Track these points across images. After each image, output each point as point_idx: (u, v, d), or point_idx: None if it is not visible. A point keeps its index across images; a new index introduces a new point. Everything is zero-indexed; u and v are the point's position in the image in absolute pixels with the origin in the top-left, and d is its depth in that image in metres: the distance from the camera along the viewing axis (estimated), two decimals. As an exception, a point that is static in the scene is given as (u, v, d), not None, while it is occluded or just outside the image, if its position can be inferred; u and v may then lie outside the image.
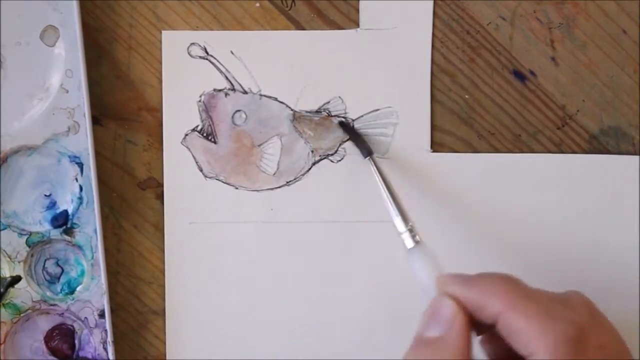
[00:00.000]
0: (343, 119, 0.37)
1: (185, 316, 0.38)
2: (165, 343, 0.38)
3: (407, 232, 0.33)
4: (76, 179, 0.36)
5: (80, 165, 0.36)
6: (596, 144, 0.38)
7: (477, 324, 0.30)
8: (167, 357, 0.38)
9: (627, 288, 0.38)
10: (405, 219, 0.33)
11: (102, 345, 0.37)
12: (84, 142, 0.36)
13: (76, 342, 0.37)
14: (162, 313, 0.38)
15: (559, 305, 0.28)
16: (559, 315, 0.28)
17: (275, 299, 0.38)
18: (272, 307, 0.38)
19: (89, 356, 0.37)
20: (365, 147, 0.36)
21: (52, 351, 0.37)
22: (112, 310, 0.37)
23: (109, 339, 0.36)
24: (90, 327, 0.37)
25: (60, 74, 0.36)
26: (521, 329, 0.27)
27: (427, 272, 0.32)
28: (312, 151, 0.38)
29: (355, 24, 0.37)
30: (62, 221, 0.36)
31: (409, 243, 0.33)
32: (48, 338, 0.37)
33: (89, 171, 0.36)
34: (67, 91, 0.36)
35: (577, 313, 0.28)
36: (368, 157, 0.36)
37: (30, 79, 0.36)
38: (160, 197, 0.38)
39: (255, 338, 0.38)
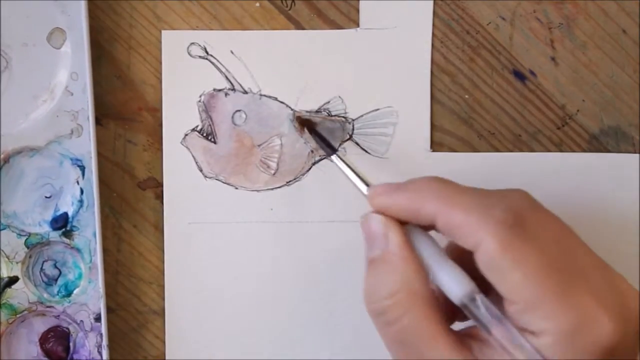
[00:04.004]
0: (301, 115, 0.36)
1: (185, 316, 0.37)
2: (165, 343, 0.37)
3: None
4: (77, 182, 0.35)
5: (82, 168, 0.35)
6: (596, 144, 0.37)
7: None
8: (167, 357, 0.37)
9: (627, 288, 0.37)
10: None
11: (96, 349, 0.36)
12: (86, 145, 0.35)
13: (71, 344, 0.36)
14: (162, 313, 0.37)
15: (494, 197, 0.27)
16: (495, 203, 0.27)
17: (275, 299, 0.37)
18: (272, 307, 0.37)
19: (83, 359, 0.36)
20: (328, 146, 0.34)
21: (47, 353, 0.36)
22: (112, 310, 0.36)
23: (104, 342, 0.35)
24: (86, 331, 0.36)
25: (65, 76, 0.35)
26: (461, 222, 0.26)
27: None
28: (312, 151, 0.37)
29: (355, 23, 0.36)
30: (62, 223, 0.35)
31: None
32: (43, 340, 0.36)
33: (90, 174, 0.35)
34: (72, 94, 0.35)
35: (513, 201, 0.27)
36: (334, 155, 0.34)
37: (36, 80, 0.35)
38: (160, 197, 0.37)
39: (255, 338, 0.37)
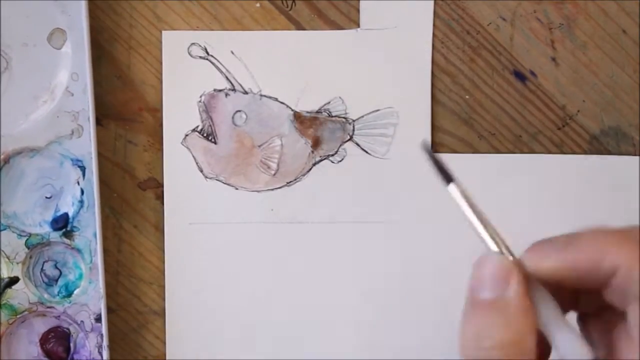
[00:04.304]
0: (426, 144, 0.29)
1: (185, 316, 0.36)
2: (165, 343, 0.36)
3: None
4: (78, 182, 0.35)
5: (83, 168, 0.35)
6: (596, 144, 0.37)
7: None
8: (167, 357, 0.37)
9: (627, 288, 0.36)
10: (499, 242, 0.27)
11: (97, 349, 0.35)
12: (87, 146, 0.35)
13: (71, 345, 0.36)
14: (162, 313, 0.36)
15: None
16: None
17: (275, 299, 0.37)
18: (272, 307, 0.37)
19: (84, 359, 0.36)
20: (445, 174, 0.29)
21: (47, 353, 0.36)
22: (113, 310, 0.36)
23: (105, 343, 0.35)
24: (86, 331, 0.35)
25: (66, 76, 0.35)
26: None
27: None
28: (312, 151, 0.36)
29: (356, 24, 0.36)
30: (62, 224, 0.35)
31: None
32: (43, 340, 0.36)
33: (91, 175, 0.35)
34: (72, 94, 0.35)
35: None
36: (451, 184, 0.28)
37: (36, 80, 0.35)
38: (160, 197, 0.36)
39: (255, 338, 0.37)
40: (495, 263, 0.26)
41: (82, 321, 0.35)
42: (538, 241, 0.26)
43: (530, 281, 0.26)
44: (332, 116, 0.36)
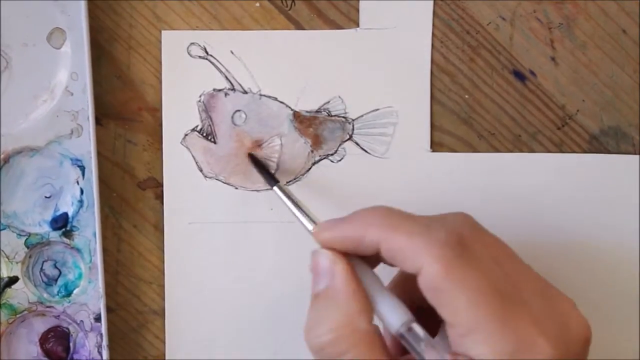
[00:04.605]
0: (252, 153, 0.36)
1: (185, 316, 0.36)
2: (165, 343, 0.36)
3: None
4: (77, 182, 0.35)
5: (82, 168, 0.35)
6: (596, 144, 0.36)
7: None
8: (167, 357, 0.36)
9: (627, 288, 0.37)
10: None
11: (96, 349, 0.35)
12: (86, 145, 0.35)
13: (71, 344, 0.36)
14: (162, 313, 0.36)
15: (436, 221, 0.27)
16: (438, 227, 0.27)
17: (275, 299, 0.37)
18: (272, 307, 0.37)
19: (83, 359, 0.36)
20: (270, 177, 0.34)
21: (47, 353, 0.36)
22: (112, 310, 0.36)
23: (104, 343, 0.35)
24: (86, 331, 0.35)
25: (65, 76, 0.35)
26: (404, 246, 0.26)
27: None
28: (312, 151, 0.36)
29: (355, 23, 0.36)
30: (62, 223, 0.35)
31: None
32: (43, 340, 0.36)
33: (90, 174, 0.35)
34: (72, 94, 0.35)
35: (455, 223, 0.27)
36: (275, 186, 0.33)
37: (36, 80, 0.35)
38: (160, 197, 0.36)
39: (255, 338, 0.37)
40: (321, 257, 0.28)
41: (81, 321, 0.35)
42: (328, 220, 0.29)
43: (357, 264, 0.28)
44: (331, 115, 0.36)
